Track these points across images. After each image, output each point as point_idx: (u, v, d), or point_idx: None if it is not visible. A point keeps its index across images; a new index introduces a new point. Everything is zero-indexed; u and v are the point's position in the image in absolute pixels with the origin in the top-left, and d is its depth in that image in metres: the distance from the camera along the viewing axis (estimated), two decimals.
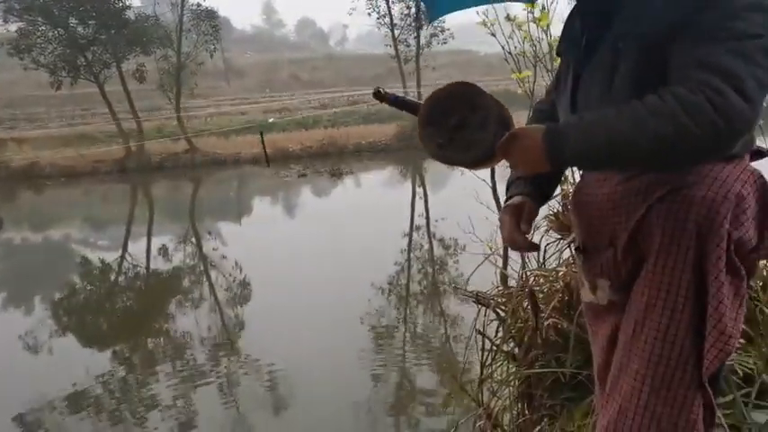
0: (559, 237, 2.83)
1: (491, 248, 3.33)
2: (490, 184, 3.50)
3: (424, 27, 23.46)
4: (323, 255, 8.74)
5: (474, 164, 1.25)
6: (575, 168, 2.29)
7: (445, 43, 24.24)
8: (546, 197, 1.48)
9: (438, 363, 5.27)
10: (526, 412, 2.44)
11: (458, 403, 2.79)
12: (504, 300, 2.76)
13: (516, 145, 1.18)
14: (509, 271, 3.29)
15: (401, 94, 1.45)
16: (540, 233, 3.02)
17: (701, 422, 1.17)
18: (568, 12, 1.40)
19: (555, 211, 2.95)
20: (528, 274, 2.80)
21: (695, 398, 1.16)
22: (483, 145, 1.21)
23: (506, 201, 1.46)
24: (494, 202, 3.89)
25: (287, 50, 59.81)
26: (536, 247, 1.48)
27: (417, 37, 23.52)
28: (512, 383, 2.54)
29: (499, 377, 2.67)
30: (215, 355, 5.63)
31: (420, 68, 23.64)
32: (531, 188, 1.43)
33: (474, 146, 1.22)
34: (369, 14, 23.84)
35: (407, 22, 23.59)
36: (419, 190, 15.66)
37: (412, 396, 4.62)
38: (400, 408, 4.43)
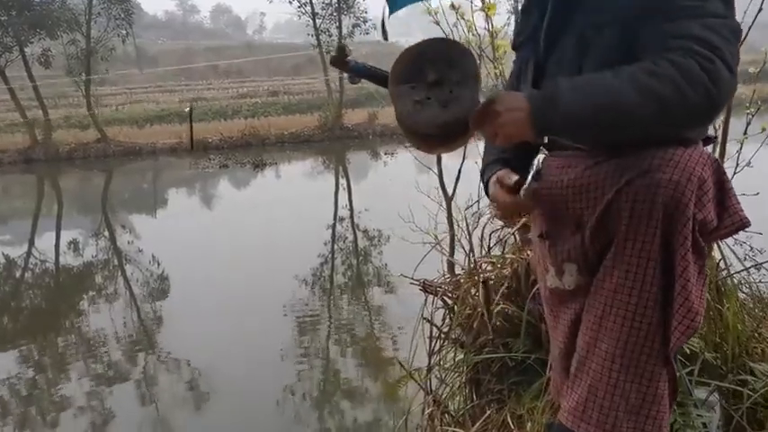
0: (503, 224, 2.85)
1: (436, 237, 3.31)
2: (436, 172, 3.46)
3: (346, 16, 23.32)
4: (245, 247, 8.57)
5: (451, 127, 1.14)
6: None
7: (368, 34, 24.21)
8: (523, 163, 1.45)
9: (363, 353, 5.29)
10: (474, 398, 2.46)
11: (403, 391, 2.79)
12: (451, 288, 2.76)
13: (497, 109, 1.11)
14: (452, 259, 3.30)
15: (362, 61, 1.33)
16: (484, 221, 3.03)
17: (666, 396, 1.22)
18: (521, 6, 1.40)
19: None
20: (476, 261, 2.82)
21: (662, 373, 1.21)
22: (464, 101, 1.13)
23: (486, 182, 1.45)
24: (440, 190, 3.86)
25: (202, 38, 58.08)
26: (534, 198, 1.42)
27: (339, 27, 23.37)
28: (460, 370, 2.55)
29: (447, 364, 2.67)
30: (132, 352, 5.41)
31: None
32: (508, 156, 1.43)
33: (454, 102, 1.13)
34: (290, 3, 23.45)
35: (329, 11, 23.38)
36: (342, 181, 15.62)
37: (337, 387, 4.62)
38: (325, 399, 4.41)
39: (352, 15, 23.59)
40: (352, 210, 11.48)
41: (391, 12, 1.64)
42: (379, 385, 4.69)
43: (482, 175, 1.50)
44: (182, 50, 44.76)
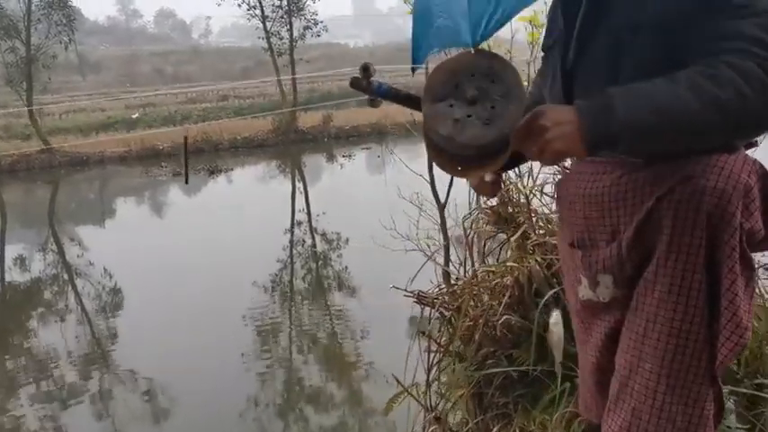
0: (497, 231, 2.76)
1: (428, 245, 3.20)
2: (428, 179, 3.33)
3: (297, 18, 23.13)
4: (202, 255, 8.38)
5: (494, 147, 1.03)
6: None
7: (319, 36, 24.05)
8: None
9: (326, 358, 5.22)
10: (477, 413, 2.36)
11: (400, 409, 2.65)
12: (448, 298, 2.64)
13: (543, 123, 1.02)
14: (447, 268, 3.20)
15: (385, 82, 1.21)
16: (476, 227, 2.94)
17: (712, 417, 1.16)
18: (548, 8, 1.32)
19: (491, 204, 2.88)
20: (475, 270, 2.71)
21: (708, 393, 1.15)
22: (508, 118, 1.02)
23: None
24: (432, 198, 3.69)
25: (146, 43, 56.80)
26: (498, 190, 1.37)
27: (290, 29, 23.16)
28: (461, 384, 2.45)
29: (447, 379, 2.57)
30: (86, 370, 5.21)
31: (294, 61, 23.32)
32: None
33: (497, 119, 1.03)
34: (239, 6, 23.12)
35: (279, 14, 23.14)
36: (299, 185, 15.48)
37: (301, 394, 4.54)
38: (290, 408, 4.33)
39: (302, 18, 23.40)
40: (309, 214, 11.37)
41: (417, 62, 1.47)
42: (343, 390, 4.64)
43: None
44: (126, 56, 43.65)
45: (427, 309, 2.70)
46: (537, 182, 2.74)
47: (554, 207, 2.56)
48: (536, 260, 2.33)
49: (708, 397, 1.14)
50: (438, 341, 2.61)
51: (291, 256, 8.64)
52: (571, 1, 1.21)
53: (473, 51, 1.09)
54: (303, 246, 9.26)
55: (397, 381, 2.62)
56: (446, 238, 3.12)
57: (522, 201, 2.68)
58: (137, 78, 36.04)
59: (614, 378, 1.23)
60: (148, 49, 47.76)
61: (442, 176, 3.23)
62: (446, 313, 2.60)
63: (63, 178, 19.65)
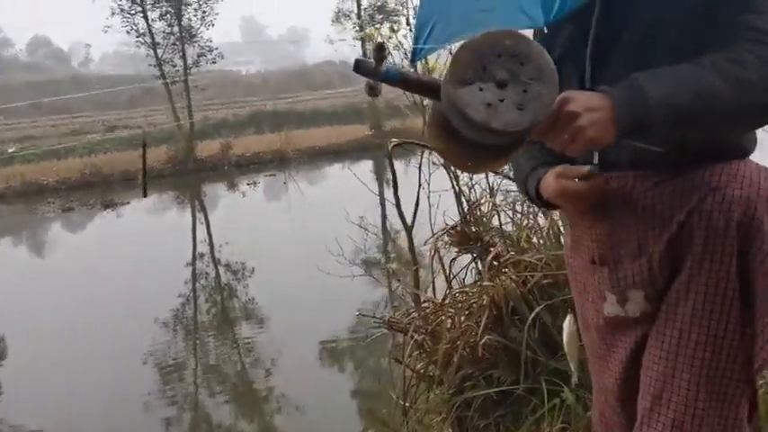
0: (462, 251, 2.74)
1: (389, 270, 3.19)
2: (393, 201, 3.21)
3: (190, 45, 22.62)
4: (98, 294, 7.89)
5: (527, 133, 0.97)
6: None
7: (215, 63, 23.65)
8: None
9: (235, 392, 5.04)
10: None
11: None
12: (420, 323, 2.60)
13: (574, 110, 0.99)
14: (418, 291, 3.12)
15: (393, 66, 1.08)
16: (442, 247, 2.88)
17: (745, 419, 1.18)
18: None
19: (454, 224, 2.83)
20: (450, 291, 2.68)
21: (743, 396, 1.16)
22: (543, 101, 0.96)
23: (534, 190, 1.29)
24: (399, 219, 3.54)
25: (20, 72, 53.39)
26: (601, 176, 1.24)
27: (184, 57, 22.60)
28: (440, 410, 2.41)
29: (425, 405, 2.53)
30: None
31: (189, 88, 22.73)
32: (546, 157, 1.28)
33: (532, 103, 0.95)
34: (127, 33, 22.34)
35: (171, 40, 22.55)
36: (199, 216, 15.00)
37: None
38: None
39: (196, 45, 22.94)
40: (212, 245, 11.03)
41: (417, 59, 1.40)
42: (256, 426, 4.48)
43: (525, 184, 1.34)
44: None
45: (406, 336, 2.63)
46: (500, 200, 2.80)
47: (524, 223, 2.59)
48: (511, 278, 2.35)
49: (742, 400, 1.17)
50: (412, 367, 2.57)
51: (194, 289, 8.33)
52: (581, 15, 1.19)
53: (498, 31, 1.01)
54: (206, 278, 8.95)
55: (372, 412, 2.63)
56: (414, 260, 3.08)
57: (484, 219, 2.72)
58: (11, 110, 33.68)
59: (645, 392, 1.22)
60: (24, 79, 44.90)
61: (409, 198, 3.16)
62: (417, 338, 2.56)
63: None
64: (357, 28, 26.37)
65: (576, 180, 1.20)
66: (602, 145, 1.03)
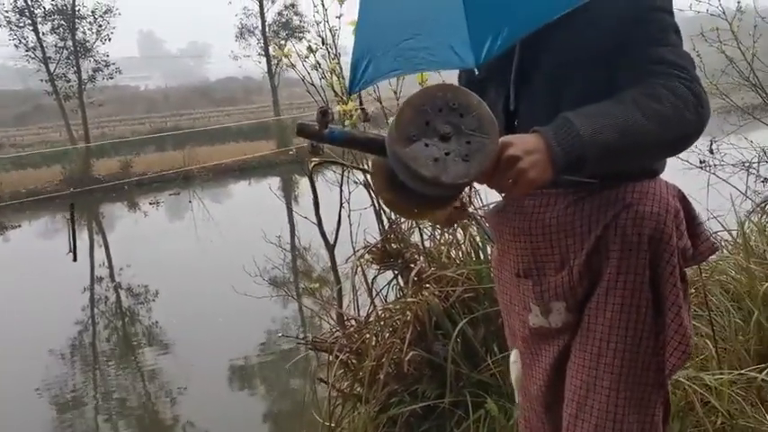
0: (384, 268, 2.73)
1: (313, 290, 3.07)
2: (315, 221, 3.09)
3: (85, 60, 21.60)
4: None
5: (473, 182, 1.04)
6: None
7: (112, 78, 22.69)
8: None
9: (140, 422, 4.78)
10: None
11: None
12: (346, 341, 2.59)
13: (515, 154, 1.03)
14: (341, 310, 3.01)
15: (338, 127, 1.08)
16: (363, 265, 2.85)
17: (660, 421, 1.24)
18: None
19: (376, 242, 2.82)
20: (374, 309, 2.67)
21: (657, 400, 1.23)
22: (487, 150, 1.00)
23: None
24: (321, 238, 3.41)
25: None
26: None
27: (78, 72, 21.52)
28: (367, 428, 2.38)
29: (351, 424, 2.48)
30: None
31: (85, 104, 21.65)
32: None
33: (476, 154, 0.99)
34: (16, 47, 21.00)
35: (64, 55, 21.42)
36: (97, 237, 14.21)
37: None
38: None
39: (91, 59, 21.92)
40: (111, 267, 10.47)
41: (352, 91, 1.35)
42: None
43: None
44: None
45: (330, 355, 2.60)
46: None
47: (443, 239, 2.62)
48: (433, 293, 2.39)
49: (657, 404, 1.24)
50: (337, 386, 2.55)
51: (93, 315, 7.86)
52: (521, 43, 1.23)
53: (435, 86, 1.05)
54: (106, 303, 8.47)
55: None
56: (337, 279, 3.03)
57: (405, 236, 2.73)
58: None
59: (570, 399, 1.27)
60: None
61: (331, 217, 3.09)
62: (342, 357, 2.55)
63: None
64: (262, 44, 26.18)
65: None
66: (542, 184, 1.09)
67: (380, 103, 2.73)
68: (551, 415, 1.37)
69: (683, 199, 1.28)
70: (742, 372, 2.07)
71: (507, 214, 1.35)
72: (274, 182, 17.96)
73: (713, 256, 2.01)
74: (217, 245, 10.24)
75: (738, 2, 4.66)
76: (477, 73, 1.17)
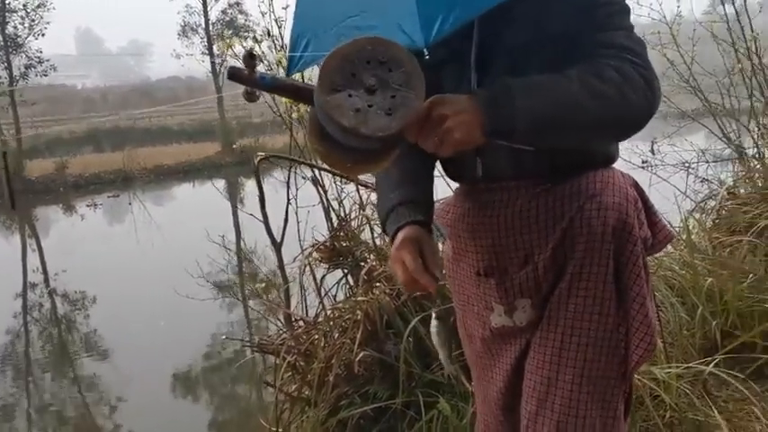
0: (333, 267, 2.66)
1: (259, 292, 3.01)
2: (261, 219, 2.98)
3: (16, 56, 20.68)
4: None
5: (397, 137, 1.00)
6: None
7: (46, 75, 21.79)
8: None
9: None
10: None
11: None
12: (293, 343, 2.52)
13: (443, 112, 1.01)
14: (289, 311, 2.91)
15: (269, 73, 1.06)
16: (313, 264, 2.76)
17: (622, 415, 1.22)
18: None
19: (324, 240, 2.75)
20: (323, 309, 2.60)
21: (620, 394, 1.22)
22: (411, 105, 0.99)
23: (394, 233, 1.23)
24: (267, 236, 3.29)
25: None
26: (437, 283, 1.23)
27: (9, 67, 20.58)
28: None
29: (299, 429, 2.43)
30: None
31: (16, 103, 20.70)
32: (423, 214, 1.23)
33: (400, 108, 0.98)
34: None
35: None
36: (30, 242, 13.58)
37: None
38: None
39: (23, 55, 21.01)
40: (45, 272, 10.01)
41: (290, 72, 1.30)
42: None
43: (384, 223, 1.30)
44: None
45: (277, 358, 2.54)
46: (370, 212, 2.71)
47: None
48: (384, 292, 2.35)
49: (619, 398, 1.22)
50: (285, 390, 2.47)
51: (26, 323, 7.50)
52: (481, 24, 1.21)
53: (365, 38, 1.02)
54: (40, 310, 8.10)
55: None
56: (285, 279, 2.92)
57: (355, 233, 2.68)
58: None
59: (529, 396, 1.24)
60: None
61: (278, 216, 2.99)
62: (290, 359, 2.48)
63: None
64: (206, 42, 25.66)
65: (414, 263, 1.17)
66: (471, 145, 1.07)
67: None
68: (511, 415, 1.33)
69: (637, 188, 1.27)
70: (690, 365, 2.10)
71: (464, 210, 1.31)
72: (219, 184, 17.62)
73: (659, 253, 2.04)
74: (159, 248, 9.95)
75: (678, 7, 4.81)
76: (426, 54, 1.14)
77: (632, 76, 1.08)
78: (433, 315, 1.36)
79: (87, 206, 16.33)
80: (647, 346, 1.19)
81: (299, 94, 1.07)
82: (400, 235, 1.21)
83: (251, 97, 1.09)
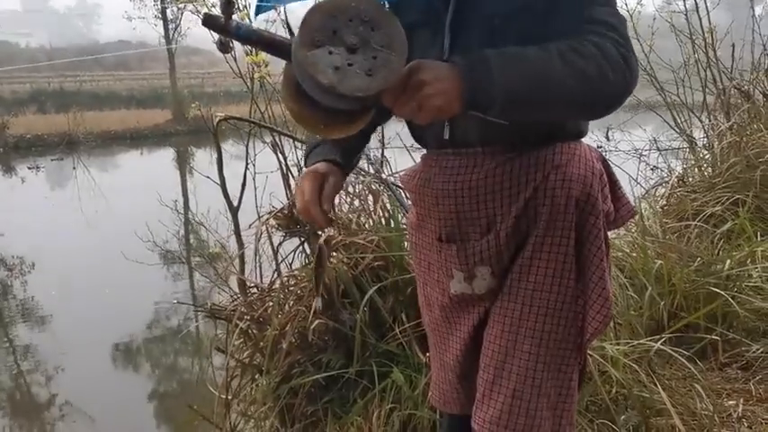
0: (290, 234, 2.62)
1: (211, 257, 2.87)
2: (219, 181, 2.87)
3: None
4: None
5: (375, 99, 0.97)
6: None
7: None
8: (351, 168, 1.34)
9: (11, 404, 4.43)
10: (280, 429, 2.26)
11: None
12: (246, 309, 2.47)
13: (423, 78, 1.00)
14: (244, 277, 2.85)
15: (245, 23, 1.02)
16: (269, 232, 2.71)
17: (576, 385, 1.24)
18: None
19: (281, 208, 2.69)
20: (279, 276, 2.55)
21: (575, 364, 1.23)
22: (392, 68, 0.96)
23: (308, 166, 1.27)
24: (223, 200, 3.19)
25: None
26: (332, 223, 1.27)
27: None
28: (265, 399, 2.30)
29: (249, 396, 2.40)
30: None
31: None
32: (340, 155, 1.25)
33: (381, 69, 0.96)
34: None
35: None
36: None
37: None
38: None
39: None
40: None
41: (258, 12, 1.30)
42: None
43: (306, 158, 1.33)
44: None
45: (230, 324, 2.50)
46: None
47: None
48: (342, 261, 2.33)
49: (575, 368, 1.24)
50: (236, 356, 2.44)
51: None
52: None
53: None
54: None
55: (191, 407, 2.43)
56: (240, 244, 2.84)
57: None
58: None
59: (486, 365, 1.25)
60: None
61: (234, 178, 2.91)
62: (242, 326, 2.44)
63: None
64: (159, 5, 24.80)
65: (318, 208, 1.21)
66: (449, 114, 1.05)
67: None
68: (467, 383, 1.34)
69: (604, 162, 1.28)
70: (641, 342, 2.15)
71: (429, 175, 1.29)
72: (169, 153, 17.17)
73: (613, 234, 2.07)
74: (103, 215, 9.66)
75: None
76: (387, 6, 1.13)
77: (612, 54, 1.06)
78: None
79: (29, 168, 15.71)
80: (603, 319, 1.21)
81: (276, 47, 1.02)
82: (311, 168, 1.25)
83: (225, 48, 1.08)
